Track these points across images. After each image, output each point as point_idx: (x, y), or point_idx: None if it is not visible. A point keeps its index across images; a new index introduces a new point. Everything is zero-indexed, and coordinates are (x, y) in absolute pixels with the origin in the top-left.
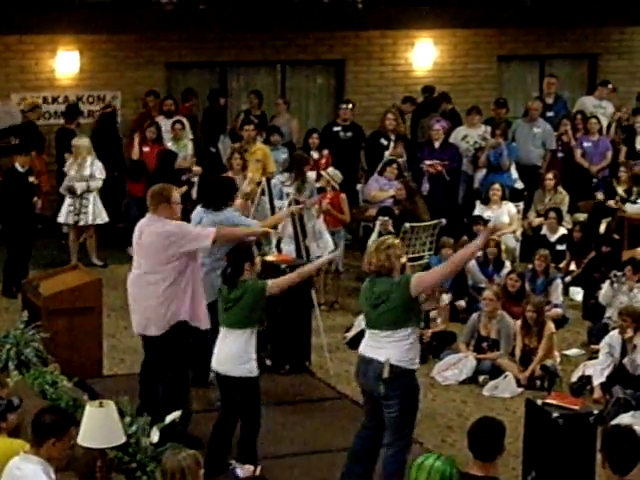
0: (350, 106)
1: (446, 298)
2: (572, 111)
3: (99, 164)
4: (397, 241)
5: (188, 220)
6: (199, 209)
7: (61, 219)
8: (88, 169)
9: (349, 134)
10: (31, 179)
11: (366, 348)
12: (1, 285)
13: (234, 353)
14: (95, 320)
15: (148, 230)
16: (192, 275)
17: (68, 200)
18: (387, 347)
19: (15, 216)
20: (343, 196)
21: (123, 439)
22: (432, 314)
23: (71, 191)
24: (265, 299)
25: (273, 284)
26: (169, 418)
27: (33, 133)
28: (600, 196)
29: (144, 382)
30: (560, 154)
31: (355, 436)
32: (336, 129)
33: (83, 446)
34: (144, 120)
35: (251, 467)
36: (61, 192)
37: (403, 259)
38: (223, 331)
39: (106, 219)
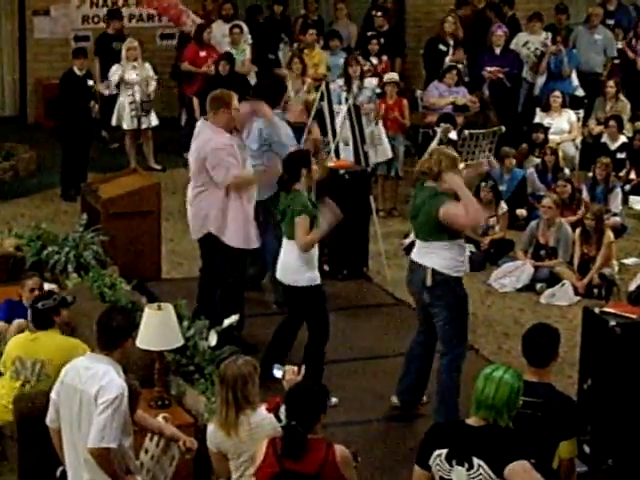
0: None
1: (504, 206)
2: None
3: (148, 64)
4: (453, 155)
5: None
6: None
7: (125, 125)
8: (146, 70)
9: (382, 40)
10: (90, 82)
11: (414, 254)
12: (60, 188)
13: (294, 263)
14: (154, 224)
15: (200, 140)
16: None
17: (129, 105)
18: (430, 255)
19: (72, 119)
20: (405, 102)
21: (181, 342)
22: (491, 221)
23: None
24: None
25: (301, 238)
26: (227, 322)
27: None
28: None
29: (202, 286)
30: (616, 61)
31: (411, 342)
32: (370, 34)
33: (141, 349)
34: (203, 24)
35: (294, 367)
36: (123, 99)
37: (461, 165)
38: (284, 241)
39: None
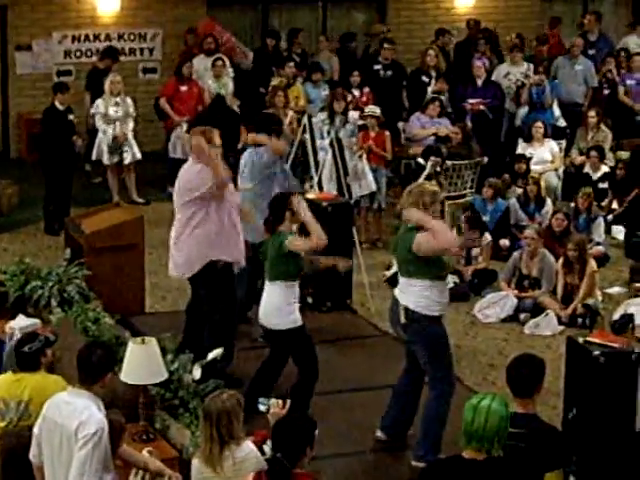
0: (392, 46)
1: (488, 236)
2: (616, 49)
3: (129, 100)
4: (433, 189)
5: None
6: (248, 151)
7: (105, 160)
8: (127, 106)
9: (389, 73)
10: (70, 117)
11: (397, 289)
12: (43, 223)
13: (275, 306)
14: (137, 257)
15: (184, 174)
16: (219, 215)
17: (108, 141)
18: (407, 292)
19: (54, 154)
20: (387, 134)
21: (165, 376)
22: (474, 252)
23: (115, 145)
24: (290, 253)
25: (291, 243)
26: (211, 355)
27: None
28: None
29: (189, 320)
30: (606, 91)
31: (399, 376)
32: (377, 67)
33: (125, 383)
34: (185, 58)
35: (279, 401)
36: (103, 134)
37: (438, 205)
38: (266, 283)
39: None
